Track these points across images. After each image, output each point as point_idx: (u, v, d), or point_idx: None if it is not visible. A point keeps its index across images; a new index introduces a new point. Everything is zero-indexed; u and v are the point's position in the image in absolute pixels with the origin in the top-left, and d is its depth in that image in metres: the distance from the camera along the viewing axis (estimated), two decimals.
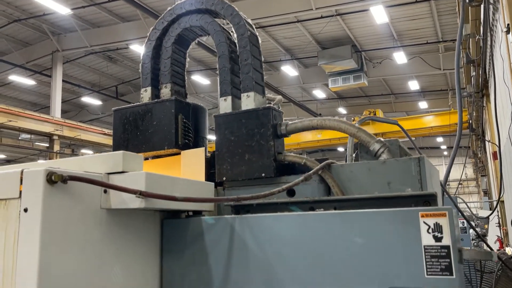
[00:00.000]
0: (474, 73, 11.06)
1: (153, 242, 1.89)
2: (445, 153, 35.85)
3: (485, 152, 17.21)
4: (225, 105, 2.45)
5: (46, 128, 16.80)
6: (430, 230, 1.49)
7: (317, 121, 2.34)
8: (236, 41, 2.53)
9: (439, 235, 1.47)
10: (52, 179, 1.45)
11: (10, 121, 15.25)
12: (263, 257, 1.74)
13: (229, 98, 2.45)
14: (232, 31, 2.58)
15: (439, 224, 1.48)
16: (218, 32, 2.56)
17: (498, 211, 12.52)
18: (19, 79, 19.82)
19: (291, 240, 1.71)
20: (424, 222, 1.50)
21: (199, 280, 1.83)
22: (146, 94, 2.69)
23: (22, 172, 1.49)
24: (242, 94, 2.43)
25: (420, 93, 23.61)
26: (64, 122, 17.77)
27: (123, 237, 1.73)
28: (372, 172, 2.02)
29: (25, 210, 1.44)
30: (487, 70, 10.42)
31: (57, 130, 17.13)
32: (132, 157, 1.73)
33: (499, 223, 12.52)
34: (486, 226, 13.23)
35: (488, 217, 10.61)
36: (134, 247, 1.77)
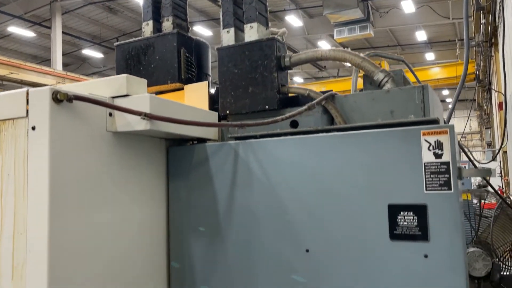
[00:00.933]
0: (483, 21, 10.75)
1: (159, 167, 1.93)
2: (451, 106, 35.56)
3: (491, 104, 17.08)
4: (227, 37, 2.41)
5: (48, 81, 16.66)
6: (431, 148, 1.51)
7: (321, 52, 2.31)
8: None
9: (440, 152, 1.49)
10: (58, 97, 1.46)
11: (12, 73, 15.15)
12: (266, 180, 1.79)
13: (232, 29, 2.41)
14: None
15: (440, 141, 1.50)
16: None
17: (500, 162, 12.59)
18: (18, 30, 19.48)
19: (294, 162, 1.74)
20: (425, 140, 1.52)
21: (204, 201, 1.89)
22: (147, 28, 2.65)
23: (27, 92, 1.50)
24: (245, 25, 2.38)
25: (427, 44, 23.06)
26: (66, 75, 17.62)
27: (129, 161, 1.77)
28: (375, 102, 2.02)
29: (33, 128, 1.47)
30: (496, 18, 10.11)
31: (59, 83, 17.01)
32: (136, 81, 1.74)
33: (501, 173, 12.61)
34: (488, 177, 13.32)
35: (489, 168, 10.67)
36: (140, 170, 1.82)
